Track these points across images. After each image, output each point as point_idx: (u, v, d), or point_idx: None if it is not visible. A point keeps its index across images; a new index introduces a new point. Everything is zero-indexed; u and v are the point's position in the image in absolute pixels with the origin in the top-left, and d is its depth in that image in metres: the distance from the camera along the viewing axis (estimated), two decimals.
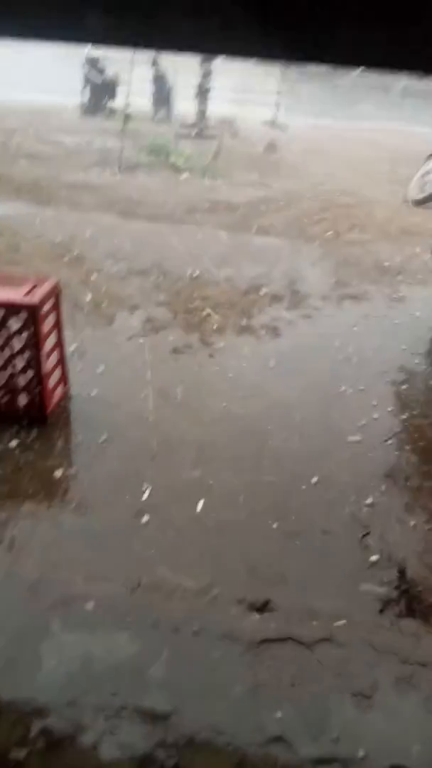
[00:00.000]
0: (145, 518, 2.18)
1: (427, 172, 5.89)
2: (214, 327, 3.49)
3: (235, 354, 3.31)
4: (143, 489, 2.36)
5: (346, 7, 0.70)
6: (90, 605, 1.57)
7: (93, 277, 3.89)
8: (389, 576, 1.98)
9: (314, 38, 0.72)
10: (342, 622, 1.46)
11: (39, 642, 1.42)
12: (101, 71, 7.72)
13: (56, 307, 2.62)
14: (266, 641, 1.35)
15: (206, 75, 7.00)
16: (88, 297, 3.65)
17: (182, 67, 6.87)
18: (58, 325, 2.66)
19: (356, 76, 11.27)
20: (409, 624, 1.59)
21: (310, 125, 8.50)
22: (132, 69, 7.05)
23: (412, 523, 2.31)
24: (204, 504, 2.32)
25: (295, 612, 1.47)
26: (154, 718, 1.19)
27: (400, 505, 2.40)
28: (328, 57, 0.73)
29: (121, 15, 0.68)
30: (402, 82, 11.63)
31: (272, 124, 7.86)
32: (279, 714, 1.21)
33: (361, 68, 0.73)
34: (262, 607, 1.49)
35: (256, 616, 1.43)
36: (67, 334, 3.09)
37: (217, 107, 7.86)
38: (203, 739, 1.17)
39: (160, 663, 1.29)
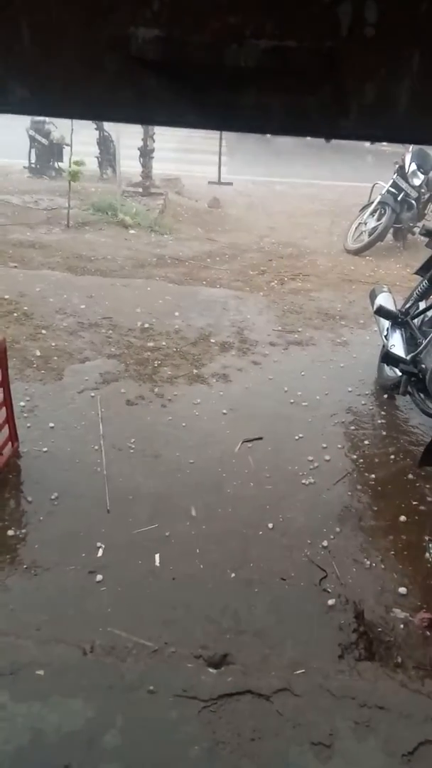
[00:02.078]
0: (99, 577, 2.12)
1: (362, 223, 6.24)
2: (166, 377, 3.52)
3: (188, 403, 3.33)
4: (97, 546, 2.31)
5: (250, 80, 0.77)
6: (41, 671, 1.50)
7: (42, 332, 3.88)
8: (347, 619, 1.98)
9: (222, 106, 0.79)
10: (301, 670, 1.44)
11: None
12: (47, 134, 7.92)
13: (2, 363, 2.60)
14: (224, 696, 1.32)
15: (149, 136, 7.27)
16: (38, 352, 3.63)
17: (126, 129, 7.12)
18: (4, 382, 2.63)
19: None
20: (368, 667, 1.59)
21: (251, 182, 8.89)
22: (76, 131, 7.28)
23: (367, 563, 2.33)
24: (160, 558, 2.29)
25: (253, 664, 1.45)
26: None
27: (355, 545, 2.42)
28: (236, 124, 0.79)
29: (42, 86, 0.73)
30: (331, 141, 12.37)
31: (216, 182, 8.18)
32: None
33: (263, 133, 0.80)
34: (220, 662, 1.46)
35: (214, 671, 1.39)
36: (17, 390, 3.06)
37: (162, 166, 8.15)
38: None
39: (115, 729, 1.23)
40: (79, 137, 7.37)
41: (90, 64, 0.71)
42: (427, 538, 2.45)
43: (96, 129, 7.96)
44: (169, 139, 9.71)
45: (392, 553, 2.37)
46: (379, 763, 1.22)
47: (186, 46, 0.70)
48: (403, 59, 0.85)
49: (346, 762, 1.21)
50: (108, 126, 8.03)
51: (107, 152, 8.06)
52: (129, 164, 7.54)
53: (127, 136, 7.20)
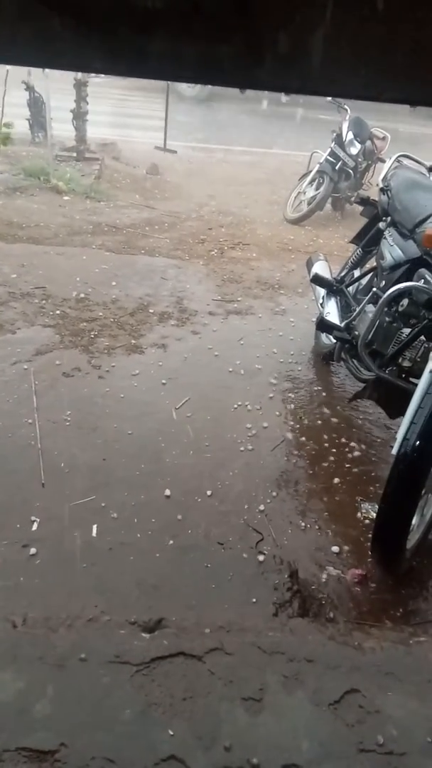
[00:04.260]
0: (33, 550, 2.08)
1: (301, 192, 6.24)
2: (103, 348, 3.45)
3: (126, 374, 3.28)
4: (32, 520, 2.26)
5: (159, 23, 0.73)
6: None
7: None
8: (282, 579, 2.04)
9: (131, 52, 0.75)
10: (234, 629, 1.47)
11: None
12: None
13: None
14: (157, 659, 1.33)
15: (82, 98, 6.97)
16: None
17: (58, 90, 6.79)
18: None
19: (232, 102, 11.73)
20: (300, 623, 1.64)
21: (191, 148, 8.72)
22: (5, 92, 6.90)
23: (302, 525, 2.39)
24: (97, 529, 2.26)
25: (188, 627, 1.47)
26: (40, 756, 1.13)
27: (291, 508, 2.48)
28: (146, 70, 0.76)
29: None
30: (270, 107, 12.28)
31: (159, 147, 7.97)
32: (171, 732, 1.19)
33: (176, 81, 0.77)
34: (155, 627, 1.46)
35: (147, 636, 1.40)
36: None
37: (97, 131, 7.85)
38: None
39: (46, 698, 1.22)
40: (8, 99, 7.01)
41: None
42: (359, 498, 2.54)
43: (26, 89, 7.55)
44: (104, 102, 9.36)
45: (326, 514, 2.44)
46: (307, 714, 1.26)
47: None
48: (317, 7, 0.82)
49: (275, 714, 1.25)
50: (39, 86, 7.63)
51: (39, 114, 7.67)
52: (63, 128, 7.22)
53: (60, 98, 6.88)
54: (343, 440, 2.91)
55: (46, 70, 6.36)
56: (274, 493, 2.54)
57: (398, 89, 0.90)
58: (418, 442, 1.92)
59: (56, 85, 6.49)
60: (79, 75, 7.01)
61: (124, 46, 0.77)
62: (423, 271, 2.47)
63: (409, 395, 2.04)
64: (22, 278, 4.13)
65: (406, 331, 2.52)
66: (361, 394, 2.68)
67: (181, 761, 1.15)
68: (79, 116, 7.10)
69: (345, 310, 3.24)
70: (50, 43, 0.78)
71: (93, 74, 7.76)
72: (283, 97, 12.91)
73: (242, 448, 2.81)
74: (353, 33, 0.81)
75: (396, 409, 2.50)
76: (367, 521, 2.41)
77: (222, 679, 1.29)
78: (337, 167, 6.09)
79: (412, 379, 2.51)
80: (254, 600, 1.94)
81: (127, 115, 10.19)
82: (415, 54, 0.86)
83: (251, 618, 1.69)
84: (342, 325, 3.04)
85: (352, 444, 2.89)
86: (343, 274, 3.49)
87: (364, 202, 3.39)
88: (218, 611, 1.73)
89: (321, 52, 0.84)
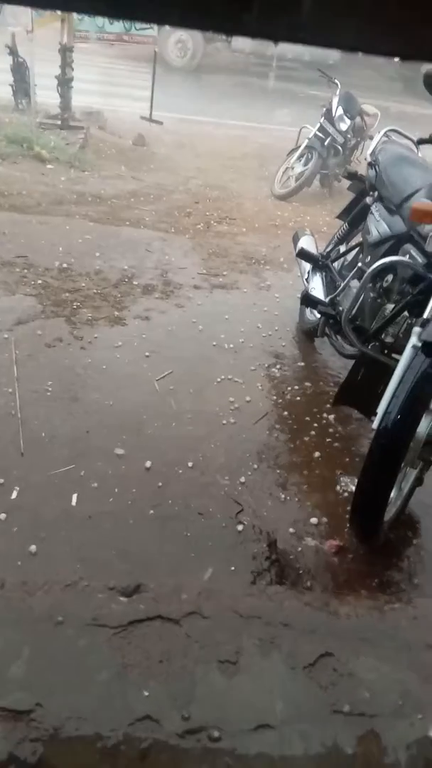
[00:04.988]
0: (11, 517, 2.07)
1: (289, 168, 6.18)
2: (86, 319, 3.40)
3: (109, 345, 3.25)
4: (12, 488, 2.24)
5: None
6: None
7: None
8: (261, 548, 2.05)
9: None
10: (211, 595, 1.48)
11: None
12: None
13: None
14: (134, 622, 1.33)
15: (67, 64, 6.77)
16: None
17: (43, 56, 6.59)
18: None
19: (221, 74, 11.52)
20: (277, 590, 1.66)
21: (179, 120, 8.56)
22: None
23: (282, 497, 2.41)
24: (77, 498, 2.26)
25: (166, 592, 1.47)
26: (15, 716, 1.13)
27: (272, 481, 2.49)
28: (130, 12, 0.72)
29: None
30: (260, 80, 12.09)
31: (145, 118, 7.80)
32: (146, 693, 1.20)
33: (162, 25, 0.74)
34: (133, 592, 1.47)
35: (125, 599, 1.40)
36: None
37: (83, 99, 7.65)
38: (68, 730, 1.13)
39: (21, 660, 1.22)
40: None
41: None
42: (338, 472, 2.56)
43: (9, 54, 7.31)
44: (90, 70, 9.12)
45: (306, 486, 2.46)
46: (281, 676, 1.28)
47: None
48: None
49: (250, 676, 1.27)
50: (23, 51, 7.40)
51: (23, 80, 7.44)
52: (47, 95, 7.03)
53: (44, 64, 6.68)
54: (325, 415, 2.93)
55: (32, 33, 6.17)
56: (255, 466, 2.55)
57: (390, 42, 0.87)
58: (398, 417, 1.92)
59: (41, 51, 6.30)
60: (65, 39, 6.81)
61: None
62: (408, 246, 2.46)
63: (387, 380, 2.02)
64: (3, 246, 4.05)
65: (390, 306, 2.52)
66: (342, 398, 2.58)
67: (155, 721, 1.16)
68: (64, 83, 6.91)
69: (330, 285, 3.22)
70: None
71: (79, 40, 7.54)
72: (275, 72, 12.70)
73: (224, 422, 2.81)
74: None
75: (374, 406, 2.44)
76: (345, 494, 2.43)
77: (198, 642, 1.30)
78: (326, 143, 6.03)
79: (394, 355, 2.52)
80: (233, 568, 1.96)
81: (113, 84, 9.95)
82: (408, 5, 0.84)
83: (229, 585, 1.70)
84: (326, 300, 3.03)
85: (333, 419, 2.91)
86: (328, 249, 3.47)
87: (352, 176, 3.35)
88: (197, 578, 1.74)
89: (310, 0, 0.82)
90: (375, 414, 1.95)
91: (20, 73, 7.46)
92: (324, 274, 3.33)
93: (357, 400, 2.50)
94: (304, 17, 0.85)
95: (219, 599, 1.43)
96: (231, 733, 1.17)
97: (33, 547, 1.96)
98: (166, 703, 1.17)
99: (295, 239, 3.66)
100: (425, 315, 2.08)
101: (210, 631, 1.32)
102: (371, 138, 6.16)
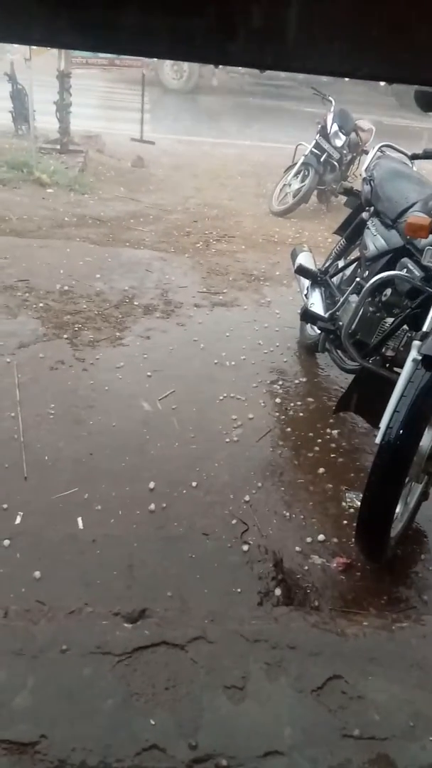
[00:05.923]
0: (15, 543, 2.06)
1: (286, 185, 6.23)
2: (87, 341, 3.42)
3: (111, 366, 3.25)
4: (15, 513, 2.24)
5: None
6: None
7: None
8: (267, 568, 2.03)
9: (102, 27, 0.73)
10: (217, 618, 1.46)
11: None
12: None
13: None
14: (139, 649, 1.32)
15: (65, 89, 6.89)
16: None
17: (41, 82, 6.71)
18: None
19: (217, 95, 11.69)
20: (283, 611, 1.64)
21: (176, 141, 8.66)
22: None
23: (287, 515, 2.39)
24: (82, 521, 2.25)
25: (171, 617, 1.46)
26: (20, 748, 1.12)
27: (276, 499, 2.47)
28: (119, 45, 0.73)
29: None
30: (256, 99, 12.25)
31: (140, 139, 7.90)
32: (152, 721, 1.19)
33: (150, 57, 0.75)
34: (138, 617, 1.45)
35: (129, 626, 1.39)
36: None
37: (82, 123, 7.77)
38: (73, 762, 1.11)
39: (26, 690, 1.21)
40: None
41: None
42: (344, 488, 2.54)
43: (9, 81, 7.45)
44: (88, 94, 9.26)
45: (311, 504, 2.45)
46: (289, 700, 1.26)
47: None
48: None
49: (258, 702, 1.25)
50: (22, 78, 7.54)
51: (22, 106, 7.57)
52: (46, 120, 7.13)
53: (43, 90, 6.79)
54: (328, 430, 2.92)
55: (30, 61, 6.28)
56: (260, 484, 2.54)
57: (374, 65, 0.89)
58: (401, 431, 1.91)
59: (39, 77, 6.41)
60: (62, 66, 6.93)
61: (94, 20, 0.75)
62: (405, 260, 2.47)
63: (389, 393, 2.02)
64: (4, 271, 4.08)
65: (389, 320, 2.52)
66: (343, 406, 2.58)
67: (162, 750, 1.14)
68: (63, 108, 7.01)
69: (329, 300, 3.23)
70: (17, 18, 0.76)
71: (76, 65, 7.68)
72: (269, 91, 12.88)
73: (228, 439, 2.80)
74: (328, 7, 0.80)
75: (379, 417, 2.44)
76: (351, 510, 2.41)
77: (204, 667, 1.28)
78: (322, 159, 6.08)
79: (395, 369, 2.51)
80: (239, 590, 1.93)
81: (111, 107, 10.10)
82: (390, 30, 0.85)
83: (235, 607, 1.68)
84: (326, 315, 3.04)
85: (337, 434, 2.89)
86: (327, 264, 3.49)
87: (348, 192, 3.38)
88: (202, 601, 1.72)
89: (295, 27, 0.83)
90: (379, 427, 1.95)
91: (19, 99, 7.59)
92: (323, 289, 3.34)
93: (358, 409, 2.51)
94: (290, 45, 0.87)
95: (224, 622, 1.41)
96: (239, 760, 1.15)
97: (37, 573, 1.95)
98: (173, 731, 1.15)
99: (294, 256, 3.68)
100: (424, 328, 2.08)
101: (216, 655, 1.30)
102: (366, 153, 6.22)
